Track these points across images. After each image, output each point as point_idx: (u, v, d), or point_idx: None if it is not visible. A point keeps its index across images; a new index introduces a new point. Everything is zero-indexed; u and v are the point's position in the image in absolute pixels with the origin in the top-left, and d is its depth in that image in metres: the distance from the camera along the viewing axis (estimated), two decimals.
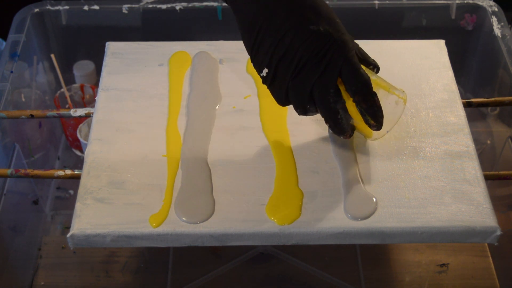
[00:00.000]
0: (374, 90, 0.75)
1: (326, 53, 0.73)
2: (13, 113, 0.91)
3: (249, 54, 0.76)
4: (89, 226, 0.75)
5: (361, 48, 0.79)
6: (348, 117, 0.77)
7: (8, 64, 1.04)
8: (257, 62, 0.75)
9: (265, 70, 0.75)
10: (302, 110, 0.76)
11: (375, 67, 0.80)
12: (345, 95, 0.75)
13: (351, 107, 0.76)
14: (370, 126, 0.77)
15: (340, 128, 0.77)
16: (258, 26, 0.74)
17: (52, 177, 0.84)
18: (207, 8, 1.18)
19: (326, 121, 0.77)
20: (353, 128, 0.79)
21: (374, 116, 0.76)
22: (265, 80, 0.76)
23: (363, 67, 0.76)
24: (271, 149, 0.83)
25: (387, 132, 0.80)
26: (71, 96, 1.20)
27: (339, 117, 0.76)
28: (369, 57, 0.80)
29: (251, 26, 0.74)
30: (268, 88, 0.77)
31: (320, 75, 0.73)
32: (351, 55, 0.74)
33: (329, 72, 0.73)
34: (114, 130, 0.85)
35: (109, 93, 0.90)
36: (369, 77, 0.75)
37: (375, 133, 0.80)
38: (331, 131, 0.85)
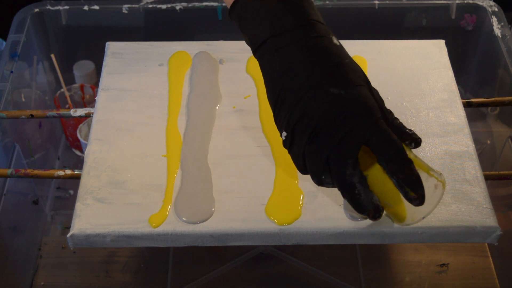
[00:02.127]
0: None
1: (346, 119, 0.65)
2: (13, 113, 0.91)
3: (273, 113, 0.71)
4: (89, 226, 0.75)
5: (397, 118, 0.70)
6: (369, 193, 0.67)
7: (8, 64, 1.04)
8: (278, 123, 0.70)
9: (284, 134, 0.69)
10: (318, 180, 0.68)
11: (412, 141, 0.70)
12: (378, 173, 0.67)
13: (381, 184, 0.68)
14: (410, 200, 0.66)
15: (358, 205, 0.67)
16: (281, 84, 0.68)
17: (52, 177, 0.84)
18: (207, 8, 1.18)
19: (343, 196, 0.68)
20: (377, 208, 0.67)
21: (413, 186, 0.65)
22: (285, 144, 0.70)
23: None
24: (271, 149, 0.83)
25: (423, 218, 0.70)
26: (71, 96, 1.20)
27: (356, 192, 0.66)
28: (406, 128, 0.71)
29: (275, 84, 0.69)
30: (289, 153, 0.70)
31: (337, 144, 0.66)
32: (377, 120, 0.66)
33: (348, 141, 0.65)
34: (114, 130, 0.85)
35: (109, 93, 0.90)
36: (401, 143, 0.67)
37: (408, 218, 0.70)
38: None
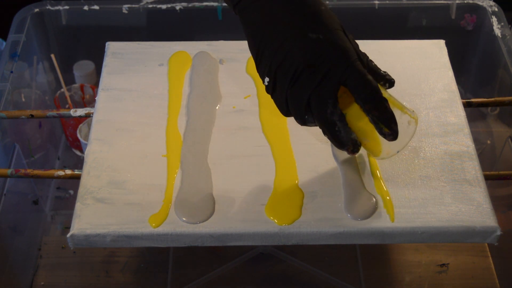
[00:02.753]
0: None
1: (324, 62, 0.70)
2: (13, 113, 0.91)
3: (255, 63, 0.74)
4: (89, 226, 0.75)
5: (371, 61, 0.76)
6: (348, 130, 0.72)
7: (8, 64, 1.04)
8: (260, 70, 0.73)
9: (267, 79, 0.73)
10: (301, 120, 0.73)
11: (386, 82, 0.76)
12: (356, 112, 0.72)
13: (358, 122, 0.73)
14: (384, 135, 0.72)
15: (338, 141, 0.72)
16: (261, 34, 0.72)
17: (52, 177, 0.84)
18: (207, 8, 1.18)
19: (324, 133, 0.73)
20: (355, 143, 0.73)
21: (387, 123, 0.71)
22: (267, 89, 0.74)
23: None
24: (271, 149, 0.83)
25: (398, 152, 0.77)
26: (71, 96, 1.20)
27: (336, 129, 0.72)
28: (380, 70, 0.76)
29: (255, 34, 0.72)
30: (272, 97, 0.75)
31: (317, 85, 0.70)
32: (353, 62, 0.71)
33: (327, 82, 0.70)
34: (114, 130, 0.85)
35: (109, 93, 0.90)
36: (377, 84, 0.71)
37: (383, 152, 0.76)
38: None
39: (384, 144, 0.75)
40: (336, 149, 0.83)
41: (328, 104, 0.71)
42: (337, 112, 0.71)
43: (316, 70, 0.70)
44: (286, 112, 0.74)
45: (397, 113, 0.73)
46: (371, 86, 0.71)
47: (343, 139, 0.72)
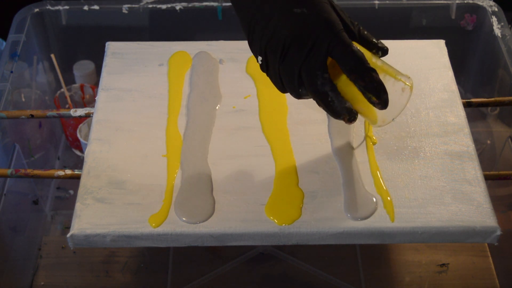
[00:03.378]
0: (380, 77, 0.72)
1: (310, 35, 0.71)
2: (13, 113, 0.91)
3: (248, 44, 0.76)
4: (89, 226, 0.75)
5: (363, 29, 0.76)
6: (341, 99, 0.73)
7: (8, 64, 1.04)
8: (253, 49, 0.75)
9: (260, 58, 0.74)
10: (296, 94, 0.74)
11: (379, 50, 0.76)
12: (346, 82, 0.73)
13: (350, 91, 0.73)
14: (374, 104, 0.72)
15: (333, 111, 0.73)
16: (251, 15, 0.73)
17: (52, 177, 0.84)
18: (207, 8, 1.18)
19: (318, 105, 0.74)
20: (350, 111, 0.73)
21: (374, 92, 0.72)
22: (262, 67, 0.75)
23: (362, 48, 0.74)
24: (271, 149, 0.83)
25: (393, 119, 0.77)
26: (71, 96, 1.20)
27: (329, 99, 0.73)
28: (372, 38, 0.76)
29: (247, 17, 0.74)
30: (268, 76, 0.76)
31: (305, 57, 0.71)
32: (337, 33, 0.71)
33: (314, 54, 0.71)
34: (114, 130, 0.85)
35: (109, 93, 0.90)
36: (362, 54, 0.72)
37: (380, 120, 0.77)
38: (331, 130, 0.85)
39: (378, 112, 0.75)
40: (336, 149, 0.83)
41: (317, 76, 0.72)
42: (328, 82, 0.72)
43: (303, 44, 0.71)
44: (282, 88, 0.75)
45: (389, 81, 0.74)
46: (355, 56, 0.71)
47: (337, 109, 0.73)
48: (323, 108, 0.74)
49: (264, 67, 0.75)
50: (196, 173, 0.80)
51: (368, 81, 0.71)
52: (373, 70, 0.72)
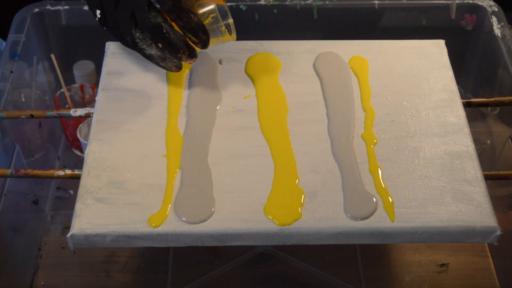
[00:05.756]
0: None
1: None
2: (13, 113, 0.91)
3: (86, 2, 0.81)
4: (89, 226, 0.75)
5: None
6: (176, 32, 0.77)
7: (8, 64, 1.04)
8: (90, 5, 0.80)
9: (98, 11, 0.79)
10: (131, 37, 0.78)
11: None
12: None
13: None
14: (195, 44, 0.79)
15: (171, 45, 0.77)
16: None
17: (52, 177, 0.84)
18: None
19: (157, 41, 0.78)
20: (188, 45, 0.79)
21: (193, 32, 0.77)
22: (101, 22, 0.80)
23: None
24: (271, 149, 0.83)
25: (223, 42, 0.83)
26: (71, 96, 1.20)
27: (164, 31, 0.77)
28: None
29: None
30: (108, 30, 0.80)
31: (134, 0, 0.77)
32: None
33: None
34: (114, 130, 0.85)
35: (109, 93, 0.90)
36: None
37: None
38: (331, 130, 0.85)
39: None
40: (336, 149, 0.83)
41: (148, 10, 0.77)
42: (159, 15, 0.77)
43: None
44: (121, 39, 0.80)
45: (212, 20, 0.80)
46: None
47: (175, 41, 0.78)
48: (162, 44, 0.78)
49: (103, 20, 0.80)
50: (196, 173, 0.80)
51: (186, 22, 0.77)
52: (190, 11, 0.77)
